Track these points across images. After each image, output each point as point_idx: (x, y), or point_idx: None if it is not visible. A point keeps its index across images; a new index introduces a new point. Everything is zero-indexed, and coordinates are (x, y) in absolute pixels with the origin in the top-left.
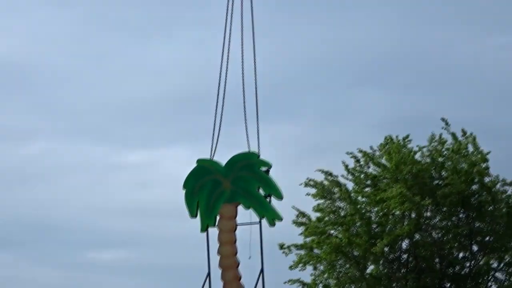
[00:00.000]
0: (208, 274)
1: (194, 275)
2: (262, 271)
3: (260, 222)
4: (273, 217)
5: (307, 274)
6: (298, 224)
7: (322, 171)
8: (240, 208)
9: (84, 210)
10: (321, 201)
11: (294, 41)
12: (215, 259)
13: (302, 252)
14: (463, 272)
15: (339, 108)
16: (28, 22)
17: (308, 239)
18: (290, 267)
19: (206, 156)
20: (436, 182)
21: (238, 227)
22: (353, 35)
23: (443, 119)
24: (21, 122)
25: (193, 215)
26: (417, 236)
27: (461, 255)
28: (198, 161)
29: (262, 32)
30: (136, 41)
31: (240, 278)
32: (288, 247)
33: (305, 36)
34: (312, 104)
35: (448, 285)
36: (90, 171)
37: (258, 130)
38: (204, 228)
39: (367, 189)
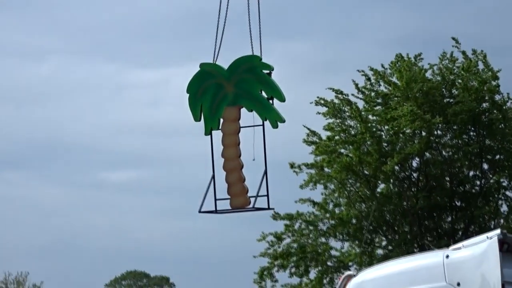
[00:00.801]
0: (213, 177)
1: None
2: (265, 172)
3: (263, 124)
4: (275, 119)
5: (317, 193)
6: (308, 143)
7: (333, 90)
8: (243, 110)
9: (95, 129)
10: (332, 119)
11: None
12: (220, 162)
13: (313, 171)
14: (473, 190)
15: (350, 25)
16: None
17: (318, 158)
18: (301, 186)
19: None
20: (447, 100)
21: (242, 130)
22: None
23: (453, 38)
24: (33, 40)
25: (196, 119)
26: (427, 155)
27: (471, 173)
28: (201, 65)
29: None
30: None
31: (244, 180)
32: (299, 166)
33: None
34: (323, 22)
35: (459, 203)
36: (102, 89)
37: (260, 33)
38: (208, 131)
39: (377, 107)
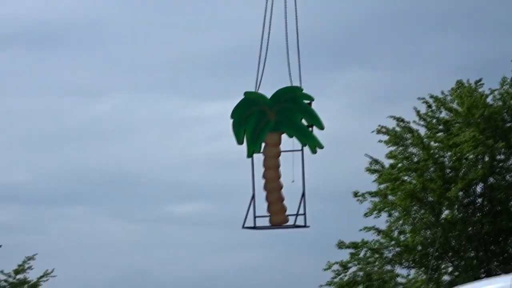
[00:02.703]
0: (253, 196)
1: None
2: (303, 194)
3: (302, 149)
4: (315, 145)
5: (382, 221)
6: (371, 171)
7: (394, 118)
8: (284, 136)
9: (159, 164)
10: (394, 147)
11: None
12: (260, 183)
13: (377, 199)
14: None
15: (409, 54)
16: None
17: (382, 186)
18: (365, 215)
19: None
20: (509, 124)
21: (282, 154)
22: None
23: None
24: (93, 79)
25: (240, 142)
26: (491, 179)
27: None
28: (245, 93)
29: None
30: None
31: (283, 200)
32: (363, 194)
33: None
34: (384, 51)
35: None
36: (166, 124)
37: (299, 65)
38: (250, 154)
39: (439, 134)
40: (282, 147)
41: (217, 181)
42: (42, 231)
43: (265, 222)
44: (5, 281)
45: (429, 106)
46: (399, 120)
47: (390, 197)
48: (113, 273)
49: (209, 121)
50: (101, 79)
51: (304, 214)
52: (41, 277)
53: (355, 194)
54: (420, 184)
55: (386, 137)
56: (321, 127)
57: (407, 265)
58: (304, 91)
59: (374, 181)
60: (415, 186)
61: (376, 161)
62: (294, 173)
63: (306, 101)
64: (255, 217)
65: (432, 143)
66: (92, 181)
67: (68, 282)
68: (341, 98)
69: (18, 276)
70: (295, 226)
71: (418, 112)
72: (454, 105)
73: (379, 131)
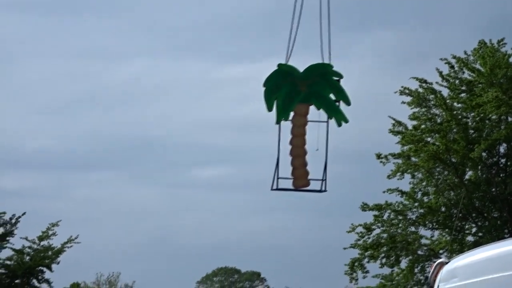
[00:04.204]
0: (277, 159)
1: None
2: (326, 161)
3: (327, 121)
4: (341, 119)
5: (405, 182)
6: (394, 133)
7: (417, 79)
8: (312, 108)
9: (186, 127)
10: (417, 109)
11: None
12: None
13: (400, 161)
14: None
15: (432, 15)
16: None
17: (405, 148)
18: (388, 176)
19: None
20: None
21: (309, 124)
22: None
23: None
24: (118, 43)
25: (270, 109)
26: None
27: None
28: (279, 65)
29: None
30: None
31: (306, 165)
32: (386, 156)
33: None
34: (406, 12)
35: None
36: (191, 88)
37: (329, 42)
38: (279, 121)
39: (462, 94)
40: (309, 117)
41: (241, 145)
42: (67, 197)
43: (289, 184)
44: (30, 247)
45: (452, 67)
46: (422, 81)
47: (413, 158)
48: (137, 239)
49: (234, 84)
50: (126, 43)
51: (325, 180)
52: (65, 243)
53: (378, 156)
54: (443, 145)
55: (409, 99)
56: (348, 103)
57: (430, 226)
58: (334, 69)
59: (397, 142)
60: (438, 148)
61: (399, 123)
62: (319, 142)
63: (336, 78)
64: (277, 178)
65: (455, 104)
66: (116, 146)
67: (92, 248)
68: (365, 59)
69: (42, 243)
70: (316, 190)
71: (440, 73)
72: (477, 66)
73: (402, 93)
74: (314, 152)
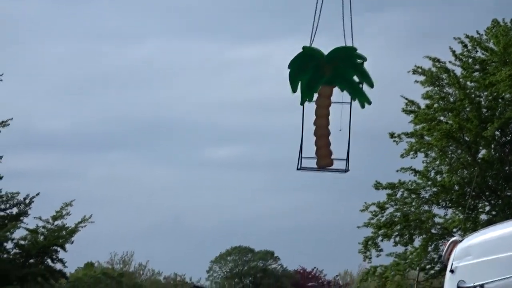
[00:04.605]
0: (301, 141)
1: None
2: (349, 143)
3: (350, 103)
4: (364, 101)
5: (418, 161)
6: (407, 112)
7: (430, 58)
8: (336, 89)
9: (199, 107)
10: (430, 88)
11: None
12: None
13: (413, 140)
14: None
15: None
16: None
17: (418, 127)
18: (402, 155)
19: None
20: None
21: (332, 105)
22: None
23: None
24: (131, 23)
25: (294, 91)
26: None
27: None
28: (304, 47)
29: None
30: None
31: (330, 145)
32: (399, 135)
33: None
34: None
35: None
36: (204, 68)
37: (351, 27)
38: (303, 102)
39: (475, 73)
40: (333, 99)
41: (255, 126)
42: (80, 178)
43: (312, 163)
44: (44, 227)
45: (465, 46)
46: (435, 60)
47: (426, 137)
48: (151, 218)
49: (247, 64)
50: (139, 24)
51: (348, 159)
52: (79, 223)
53: (392, 135)
54: (456, 124)
55: (422, 78)
56: (371, 85)
57: (444, 205)
58: (358, 52)
59: (410, 122)
60: (452, 126)
61: (412, 102)
62: (342, 123)
63: (359, 61)
64: (301, 158)
65: (468, 83)
66: (130, 127)
67: (106, 227)
68: (378, 39)
69: (56, 222)
70: (339, 170)
71: (454, 52)
72: (490, 45)
73: (415, 72)
74: (337, 133)
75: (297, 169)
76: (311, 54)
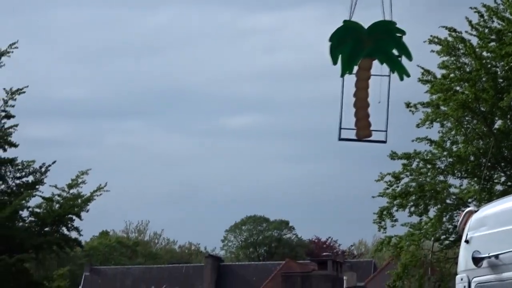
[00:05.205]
0: (341, 112)
1: (323, 138)
2: (387, 115)
3: (389, 75)
4: (403, 73)
5: (434, 131)
6: (423, 82)
7: (446, 28)
8: (375, 62)
9: (215, 76)
10: (446, 58)
11: None
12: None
13: (429, 110)
14: None
15: None
16: None
17: (434, 97)
18: (417, 125)
19: (335, 17)
20: None
21: (371, 77)
22: None
23: None
24: None
25: (335, 63)
26: None
27: None
28: (344, 21)
29: None
30: None
31: (369, 117)
32: (415, 105)
33: None
34: None
35: None
36: (220, 37)
37: (391, 1)
38: (343, 74)
39: (491, 43)
40: (372, 71)
41: (270, 94)
42: (97, 146)
43: (351, 135)
44: (59, 195)
45: (481, 16)
46: (451, 30)
47: (442, 107)
48: (167, 187)
49: (263, 33)
50: None
51: (386, 131)
52: (95, 191)
53: (407, 105)
54: (472, 94)
55: (438, 47)
56: (410, 58)
57: (459, 175)
58: (397, 25)
59: (426, 91)
60: (467, 96)
61: (428, 72)
62: (381, 95)
63: (399, 34)
64: (340, 129)
65: (484, 53)
66: (146, 95)
67: (122, 196)
68: (394, 8)
69: (72, 191)
70: (378, 141)
71: (470, 22)
72: (507, 14)
73: (431, 41)
74: (376, 104)
75: (338, 140)
76: (351, 27)
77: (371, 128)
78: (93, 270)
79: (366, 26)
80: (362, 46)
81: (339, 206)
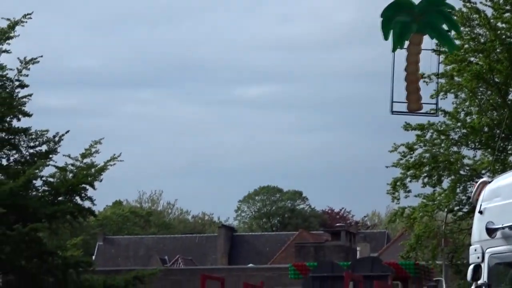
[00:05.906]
0: (392, 86)
1: (338, 108)
2: (438, 89)
3: (439, 50)
4: (452, 47)
5: (448, 102)
6: (437, 52)
7: None
8: (426, 37)
9: (229, 47)
10: (461, 28)
11: None
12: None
13: (443, 80)
14: None
15: None
16: None
17: (448, 67)
18: (431, 96)
19: None
20: None
21: (422, 52)
22: None
23: None
24: None
25: (386, 38)
26: None
27: None
28: None
29: None
30: None
31: (419, 90)
32: (429, 76)
33: None
34: None
35: None
36: (235, 6)
37: None
38: (395, 49)
39: (506, 14)
40: (423, 46)
41: (285, 65)
42: (111, 115)
43: (402, 107)
44: (72, 165)
45: None
46: (466, 0)
47: (456, 78)
48: (180, 157)
49: (278, 1)
50: None
51: (437, 104)
52: (108, 161)
53: (421, 76)
54: (486, 65)
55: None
56: (459, 32)
57: (473, 146)
58: (447, 1)
59: (441, 62)
60: (482, 67)
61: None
62: (431, 69)
63: (448, 10)
64: (392, 102)
65: (499, 23)
66: (161, 64)
67: (135, 166)
68: None
69: (85, 160)
70: (430, 114)
71: None
72: None
73: None
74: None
75: (391, 113)
76: (403, 3)
77: (422, 101)
78: (106, 239)
79: (416, 2)
80: (412, 21)
81: (352, 177)
